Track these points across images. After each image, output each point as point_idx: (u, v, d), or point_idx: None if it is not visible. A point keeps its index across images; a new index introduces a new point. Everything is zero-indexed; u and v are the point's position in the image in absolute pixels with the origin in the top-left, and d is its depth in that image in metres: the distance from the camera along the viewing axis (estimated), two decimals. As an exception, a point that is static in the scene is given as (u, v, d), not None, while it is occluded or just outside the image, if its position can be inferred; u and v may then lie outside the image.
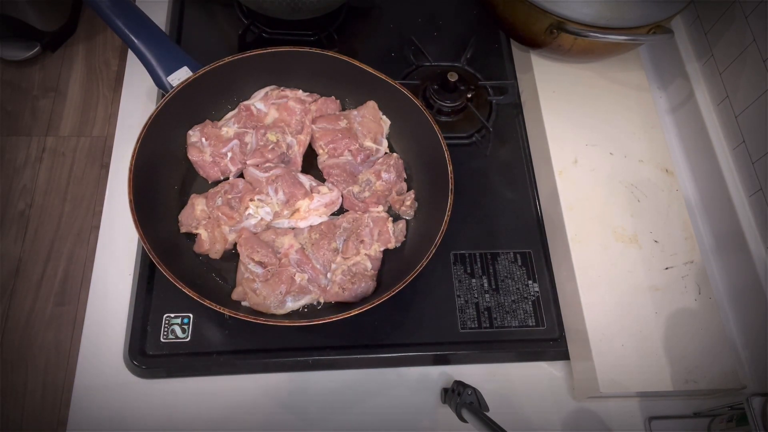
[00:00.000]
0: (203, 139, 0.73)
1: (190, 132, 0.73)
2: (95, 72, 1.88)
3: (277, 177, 0.71)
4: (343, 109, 0.80)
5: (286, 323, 0.62)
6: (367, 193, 0.73)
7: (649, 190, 0.74)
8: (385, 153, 0.77)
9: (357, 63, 0.74)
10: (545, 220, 0.77)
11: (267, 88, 0.78)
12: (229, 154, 0.73)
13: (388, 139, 0.78)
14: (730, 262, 0.76)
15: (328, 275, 0.68)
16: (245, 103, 0.76)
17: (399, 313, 0.69)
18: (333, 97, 0.79)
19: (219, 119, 0.76)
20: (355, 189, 0.73)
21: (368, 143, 0.76)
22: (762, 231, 0.71)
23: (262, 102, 0.76)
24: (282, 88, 0.78)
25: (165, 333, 0.65)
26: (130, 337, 0.64)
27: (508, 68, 0.89)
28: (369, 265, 0.68)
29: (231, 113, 0.77)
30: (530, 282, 0.73)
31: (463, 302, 0.71)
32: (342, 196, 0.73)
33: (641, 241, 0.71)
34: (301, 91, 0.78)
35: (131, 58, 0.79)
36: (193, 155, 0.72)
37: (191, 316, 0.66)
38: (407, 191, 0.75)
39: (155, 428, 0.63)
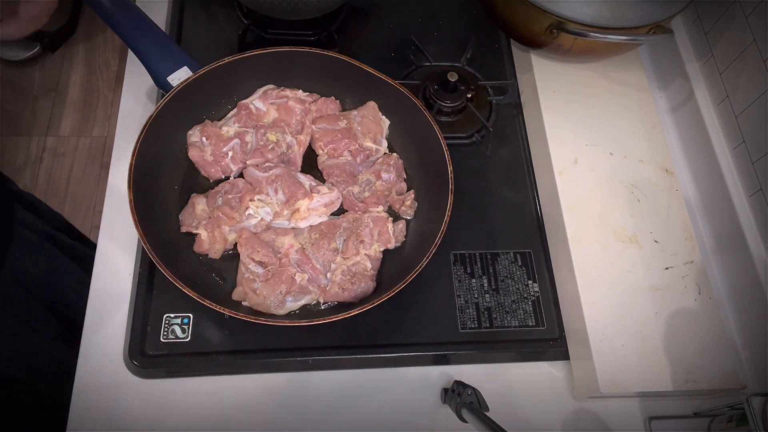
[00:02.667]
0: (204, 139, 0.73)
1: (190, 132, 0.73)
2: (95, 72, 1.88)
3: (276, 177, 0.71)
4: (344, 109, 0.80)
5: (286, 323, 0.62)
6: (367, 194, 0.73)
7: (649, 190, 0.74)
8: (385, 153, 0.77)
9: (357, 63, 0.74)
10: (545, 220, 0.77)
11: (265, 87, 0.78)
12: (230, 153, 0.73)
13: (387, 139, 0.78)
14: (730, 262, 0.76)
15: (328, 275, 0.68)
16: (243, 102, 0.76)
17: (399, 313, 0.69)
18: (333, 97, 0.79)
19: (219, 119, 0.76)
20: (355, 189, 0.73)
21: (368, 143, 0.76)
22: (762, 231, 0.71)
23: (260, 101, 0.76)
24: (282, 87, 0.78)
25: (165, 333, 0.65)
26: (130, 337, 0.64)
27: (508, 68, 0.89)
28: (369, 265, 0.68)
29: (231, 113, 0.77)
30: (530, 282, 0.73)
31: (463, 302, 0.71)
32: (342, 197, 0.73)
33: (641, 241, 0.71)
34: (301, 91, 0.78)
35: (131, 58, 0.79)
36: (193, 155, 0.72)
37: (191, 316, 0.66)
38: (407, 191, 0.75)
39: (155, 428, 0.63)
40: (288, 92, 0.77)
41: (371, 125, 0.77)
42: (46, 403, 0.75)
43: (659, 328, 0.66)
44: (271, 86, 0.78)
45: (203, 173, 0.73)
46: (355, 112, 0.77)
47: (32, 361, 0.76)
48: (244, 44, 0.86)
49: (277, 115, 0.76)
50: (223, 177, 0.73)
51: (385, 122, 0.78)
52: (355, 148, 0.75)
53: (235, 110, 0.76)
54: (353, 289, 0.66)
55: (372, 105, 0.78)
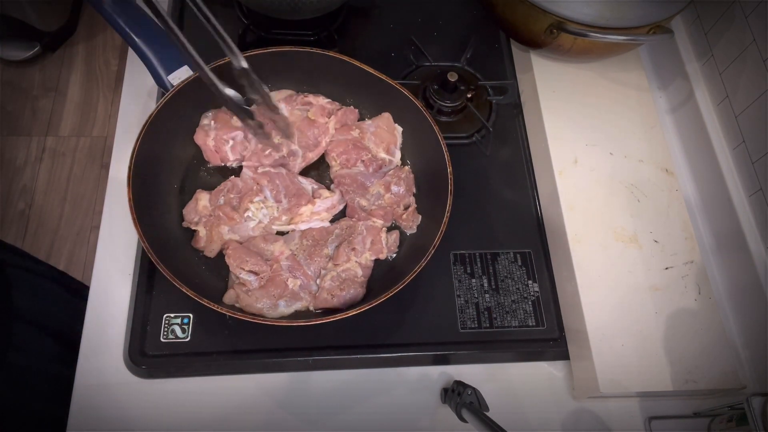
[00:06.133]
0: (212, 122, 0.73)
1: (205, 114, 0.74)
2: (95, 72, 1.88)
3: (278, 182, 0.71)
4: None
5: (286, 323, 0.62)
6: (374, 206, 0.73)
7: (649, 190, 0.74)
8: (397, 165, 0.77)
9: (357, 63, 0.74)
10: (545, 220, 0.77)
11: (288, 91, 0.78)
12: (230, 142, 0.73)
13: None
14: (730, 262, 0.76)
15: (318, 281, 0.68)
16: None
17: (399, 313, 0.69)
18: (352, 107, 0.78)
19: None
20: (363, 202, 0.73)
21: (382, 154, 0.75)
22: (762, 231, 0.71)
23: (284, 104, 0.76)
24: (305, 94, 0.78)
25: (165, 333, 0.65)
26: (130, 337, 0.64)
27: (508, 68, 0.89)
28: (359, 272, 0.68)
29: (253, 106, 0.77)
30: (530, 282, 0.73)
31: (463, 302, 0.71)
32: (347, 205, 0.73)
33: (641, 241, 0.71)
34: (323, 96, 0.77)
35: (131, 57, 0.79)
36: (198, 138, 0.72)
37: (191, 316, 0.66)
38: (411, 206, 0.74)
39: (155, 428, 0.63)
40: (311, 98, 0.77)
41: (385, 135, 0.76)
42: (46, 424, 0.76)
43: (659, 328, 0.66)
44: (293, 92, 0.78)
45: (205, 157, 0.73)
46: (369, 122, 0.77)
47: (32, 386, 0.78)
48: (244, 44, 0.86)
49: (293, 120, 0.76)
50: (221, 164, 0.74)
51: (399, 130, 0.77)
52: (368, 158, 0.74)
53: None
54: (342, 296, 0.66)
55: (387, 116, 0.77)
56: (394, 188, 0.73)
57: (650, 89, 0.82)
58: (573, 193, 0.73)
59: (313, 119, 0.75)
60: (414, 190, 0.75)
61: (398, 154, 0.77)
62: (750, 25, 0.74)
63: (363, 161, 0.75)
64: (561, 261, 0.72)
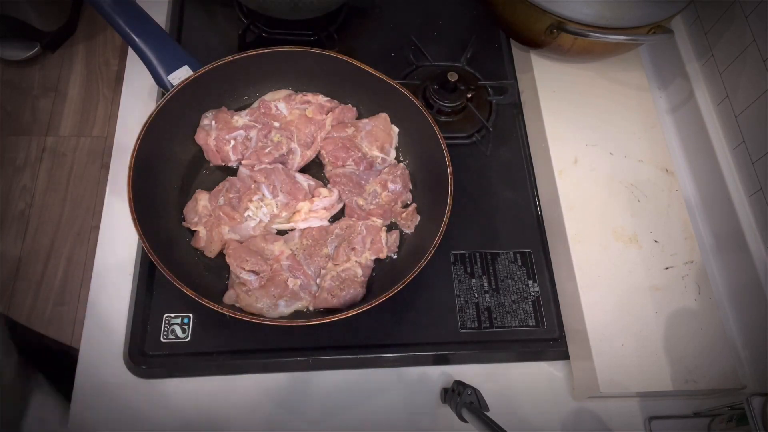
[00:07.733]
0: (213, 122, 0.73)
1: (205, 114, 0.74)
2: (95, 72, 1.88)
3: (274, 178, 0.71)
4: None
5: (286, 323, 0.62)
6: (372, 206, 0.73)
7: (649, 190, 0.74)
8: (392, 163, 0.76)
9: (357, 63, 0.74)
10: (545, 220, 0.77)
11: (287, 91, 0.78)
12: (232, 142, 0.73)
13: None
14: (730, 262, 0.76)
15: (318, 281, 0.67)
16: (267, 100, 0.76)
17: (399, 313, 0.69)
18: (350, 105, 0.78)
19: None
20: (361, 201, 0.73)
21: (374, 152, 0.75)
22: (762, 231, 0.71)
23: (284, 103, 0.76)
24: (304, 93, 0.78)
25: (165, 333, 0.65)
26: (130, 337, 0.64)
27: (508, 68, 0.89)
28: (359, 272, 0.68)
29: (255, 105, 0.77)
30: (530, 282, 0.73)
31: (463, 302, 0.71)
32: (345, 205, 0.73)
33: (641, 241, 0.71)
34: (321, 95, 0.77)
35: (131, 57, 0.79)
36: (199, 138, 0.72)
37: (191, 316, 0.66)
38: (411, 204, 0.74)
39: (155, 428, 0.63)
40: (310, 97, 0.77)
41: (380, 134, 0.76)
42: None
43: (659, 328, 0.66)
44: (291, 91, 0.78)
45: (206, 157, 0.73)
46: (366, 120, 0.77)
47: None
48: (244, 44, 0.86)
49: (291, 119, 0.76)
50: (223, 164, 0.74)
51: (395, 131, 0.77)
52: (359, 156, 0.74)
53: (256, 104, 0.76)
54: (342, 296, 0.66)
55: (384, 116, 0.77)
56: (390, 186, 0.73)
57: (650, 89, 0.82)
58: (573, 193, 0.73)
59: (310, 117, 0.76)
60: (410, 187, 0.75)
61: (393, 153, 0.77)
62: (750, 25, 0.74)
63: (354, 160, 0.75)
64: (561, 261, 0.72)
